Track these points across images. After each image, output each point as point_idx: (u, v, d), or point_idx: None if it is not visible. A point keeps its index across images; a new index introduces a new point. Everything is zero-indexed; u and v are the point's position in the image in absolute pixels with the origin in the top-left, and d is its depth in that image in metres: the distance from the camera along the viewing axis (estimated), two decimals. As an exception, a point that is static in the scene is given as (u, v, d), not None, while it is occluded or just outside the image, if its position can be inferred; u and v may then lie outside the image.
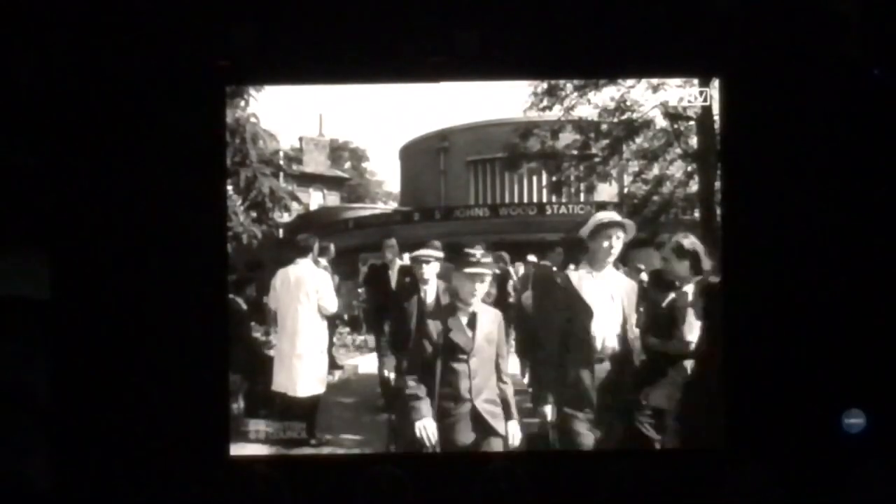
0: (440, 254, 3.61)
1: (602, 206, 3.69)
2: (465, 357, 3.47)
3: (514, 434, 3.47)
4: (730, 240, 3.42)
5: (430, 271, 3.61)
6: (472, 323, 3.49)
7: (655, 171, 3.66)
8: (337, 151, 4.00)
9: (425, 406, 3.46)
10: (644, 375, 3.52)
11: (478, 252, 3.51)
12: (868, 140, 3.35)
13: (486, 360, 3.50)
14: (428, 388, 3.48)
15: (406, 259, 3.71)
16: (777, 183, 3.39)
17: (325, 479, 3.19)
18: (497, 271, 3.63)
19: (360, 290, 3.82)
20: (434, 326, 3.50)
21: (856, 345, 3.31)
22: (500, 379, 3.54)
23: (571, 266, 3.59)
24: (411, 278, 3.66)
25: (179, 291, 3.33)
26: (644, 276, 3.62)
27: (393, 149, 3.77)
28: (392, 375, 3.60)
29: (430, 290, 3.60)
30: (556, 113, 3.60)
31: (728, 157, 3.45)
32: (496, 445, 3.44)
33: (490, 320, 3.52)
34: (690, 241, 3.51)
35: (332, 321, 3.66)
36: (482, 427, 3.46)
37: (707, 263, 3.49)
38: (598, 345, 3.52)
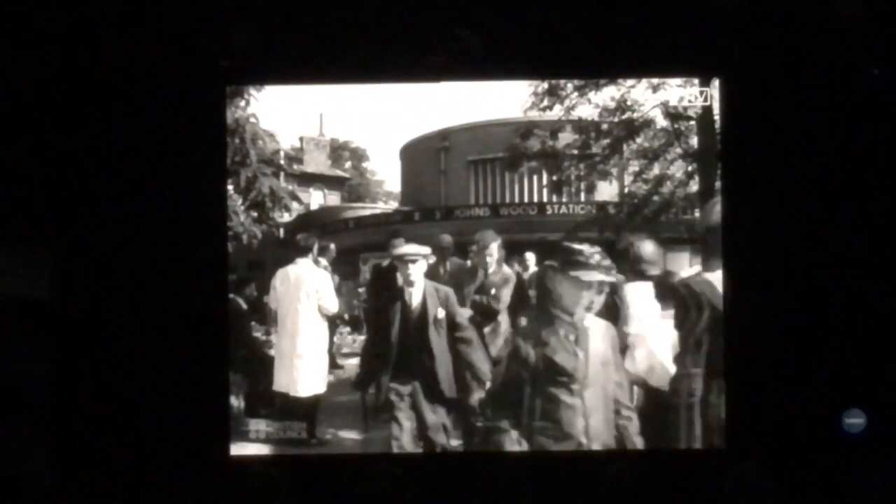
0: (427, 250, 3.43)
1: (602, 205, 3.69)
2: (572, 384, 2.81)
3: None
4: (730, 239, 3.42)
5: (417, 271, 3.36)
6: (581, 342, 2.82)
7: (656, 170, 3.66)
8: (337, 151, 4.00)
9: (510, 442, 2.93)
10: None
11: (589, 249, 2.91)
12: (868, 140, 3.35)
13: (599, 391, 2.83)
14: (514, 419, 2.93)
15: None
16: (777, 182, 3.39)
17: (325, 479, 3.18)
18: (613, 279, 2.97)
19: (360, 290, 3.80)
20: (524, 342, 2.88)
21: (856, 345, 3.31)
22: (618, 413, 2.88)
23: (697, 267, 3.13)
24: (391, 282, 3.42)
25: (180, 291, 3.33)
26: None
27: (393, 148, 3.77)
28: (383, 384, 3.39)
29: (416, 294, 3.38)
30: (557, 113, 3.60)
31: (728, 157, 3.45)
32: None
33: (602, 336, 2.86)
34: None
35: (333, 321, 3.65)
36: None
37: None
38: None
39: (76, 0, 3.33)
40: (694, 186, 3.59)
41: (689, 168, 3.61)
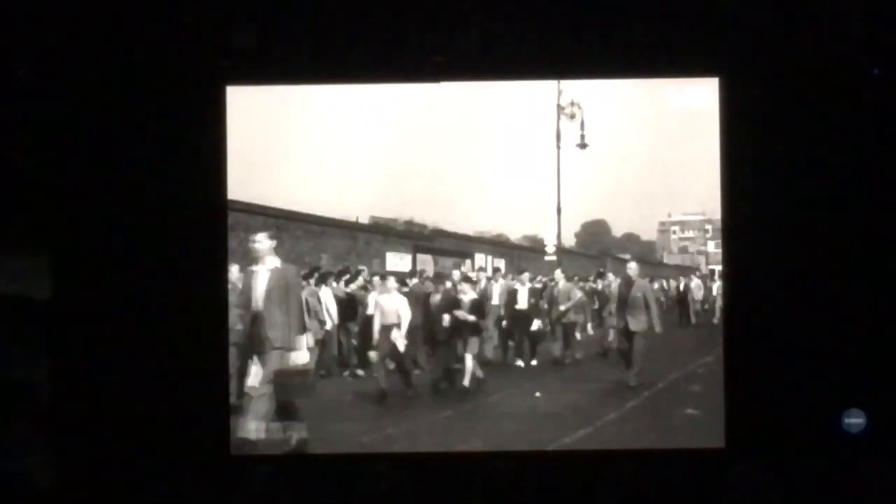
0: None
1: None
2: None
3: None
4: (730, 238, 3.42)
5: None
6: None
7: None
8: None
9: None
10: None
11: None
12: (868, 140, 3.35)
13: None
14: None
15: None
16: (777, 182, 3.38)
17: (325, 479, 3.19)
18: None
19: None
20: None
21: (856, 345, 3.31)
22: None
23: None
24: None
25: (179, 291, 3.33)
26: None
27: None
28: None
29: None
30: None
31: (728, 156, 3.45)
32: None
33: None
34: None
35: None
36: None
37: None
38: None
39: (76, 2, 3.33)
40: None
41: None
